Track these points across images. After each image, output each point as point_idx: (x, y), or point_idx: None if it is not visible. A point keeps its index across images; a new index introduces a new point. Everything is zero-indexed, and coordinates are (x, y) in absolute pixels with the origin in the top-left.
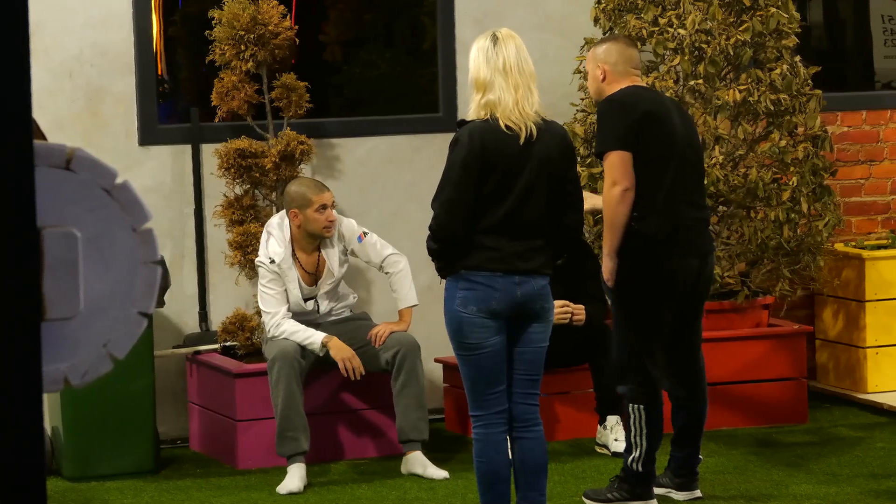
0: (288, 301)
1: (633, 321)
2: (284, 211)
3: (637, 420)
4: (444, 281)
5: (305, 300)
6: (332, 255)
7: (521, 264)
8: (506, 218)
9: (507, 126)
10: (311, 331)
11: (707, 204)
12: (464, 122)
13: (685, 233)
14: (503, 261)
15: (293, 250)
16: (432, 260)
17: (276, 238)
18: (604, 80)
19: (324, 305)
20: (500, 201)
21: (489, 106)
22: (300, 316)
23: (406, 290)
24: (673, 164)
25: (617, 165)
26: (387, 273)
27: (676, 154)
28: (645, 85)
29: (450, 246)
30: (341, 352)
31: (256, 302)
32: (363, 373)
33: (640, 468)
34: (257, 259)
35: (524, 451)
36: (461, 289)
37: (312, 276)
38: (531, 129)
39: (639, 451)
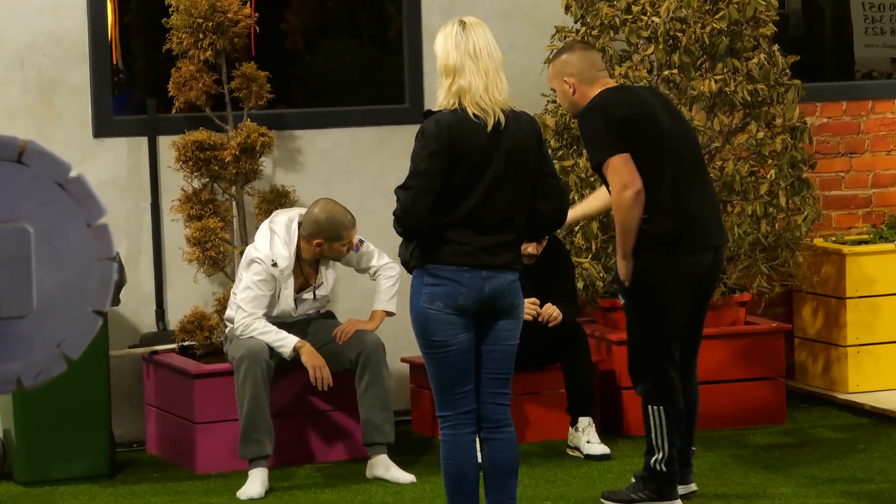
0: (271, 307)
1: (649, 319)
2: (297, 214)
3: (657, 422)
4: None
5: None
6: (329, 271)
7: (488, 259)
8: (473, 211)
9: (475, 115)
10: (283, 333)
11: (715, 193)
12: (430, 113)
13: (695, 227)
14: (470, 255)
15: (297, 259)
16: (401, 246)
17: (281, 240)
18: (574, 93)
19: (301, 308)
20: (467, 194)
21: (460, 92)
22: (279, 317)
23: (389, 295)
24: (668, 160)
25: (622, 169)
26: (377, 276)
27: (669, 150)
28: (616, 84)
29: (414, 232)
30: (313, 359)
31: (215, 300)
32: (331, 384)
33: (664, 469)
34: (256, 254)
35: (494, 452)
36: (427, 284)
37: (302, 282)
38: (499, 117)
39: (661, 453)
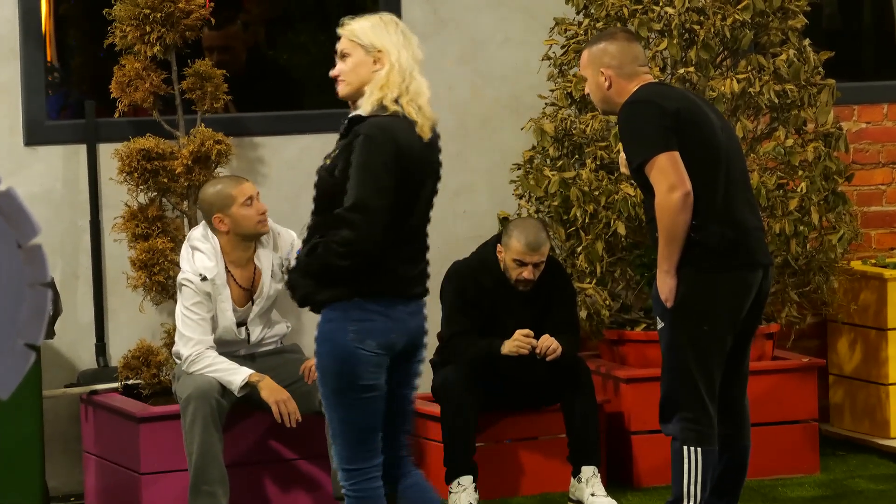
0: (214, 330)
1: (694, 347)
2: (204, 222)
3: (693, 466)
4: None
5: (238, 325)
6: (265, 265)
7: (417, 289)
8: (407, 234)
9: (419, 125)
10: (236, 366)
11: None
12: (360, 119)
13: (748, 240)
14: (403, 285)
15: (225, 265)
16: (293, 274)
17: (204, 252)
18: (609, 87)
19: (255, 333)
20: (406, 214)
21: (411, 95)
22: (228, 346)
23: None
24: (721, 163)
25: (670, 168)
26: None
27: (722, 153)
28: (659, 80)
29: (368, 261)
30: (275, 393)
31: (163, 332)
32: (300, 419)
33: None
34: (181, 276)
35: (414, 499)
36: (354, 319)
37: (247, 292)
38: (434, 130)
39: (693, 501)
